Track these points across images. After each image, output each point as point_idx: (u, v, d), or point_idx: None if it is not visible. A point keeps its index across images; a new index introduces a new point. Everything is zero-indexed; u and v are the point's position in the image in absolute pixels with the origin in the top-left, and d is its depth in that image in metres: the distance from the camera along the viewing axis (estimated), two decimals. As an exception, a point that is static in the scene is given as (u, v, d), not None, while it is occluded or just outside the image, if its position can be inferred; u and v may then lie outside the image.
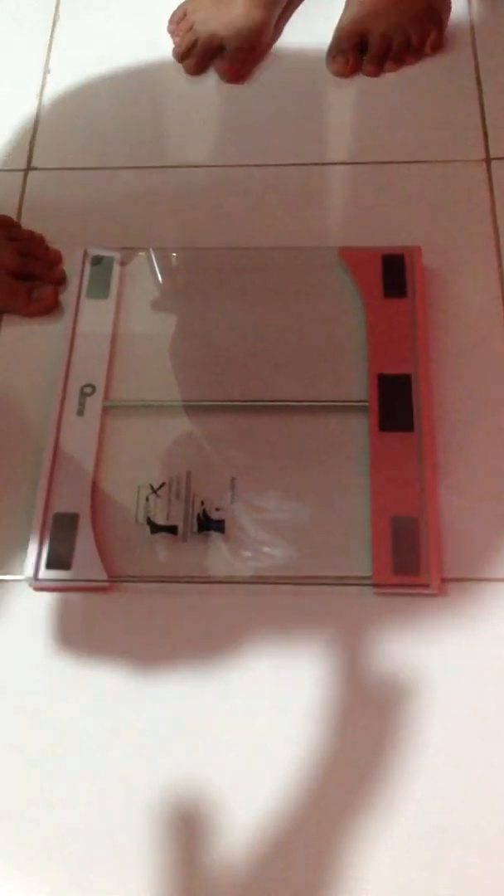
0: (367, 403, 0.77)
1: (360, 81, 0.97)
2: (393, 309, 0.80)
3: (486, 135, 0.92)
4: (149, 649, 0.68)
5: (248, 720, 0.66)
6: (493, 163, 0.90)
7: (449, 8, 0.99)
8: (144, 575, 0.70)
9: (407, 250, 0.83)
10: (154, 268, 0.85)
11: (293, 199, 0.90)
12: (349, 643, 0.68)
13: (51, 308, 0.83)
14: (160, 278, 0.85)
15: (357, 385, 0.78)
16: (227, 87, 0.97)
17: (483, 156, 0.91)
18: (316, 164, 0.92)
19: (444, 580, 0.69)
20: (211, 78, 0.98)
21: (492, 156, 0.91)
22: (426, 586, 0.69)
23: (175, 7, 1.01)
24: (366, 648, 0.67)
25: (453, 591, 0.69)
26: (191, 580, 0.69)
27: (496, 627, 0.68)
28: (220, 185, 0.91)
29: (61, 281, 0.85)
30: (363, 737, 0.65)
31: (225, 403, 0.78)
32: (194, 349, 0.81)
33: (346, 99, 0.97)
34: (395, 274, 0.82)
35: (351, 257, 0.83)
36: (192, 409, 0.78)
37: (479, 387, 0.79)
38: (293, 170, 0.92)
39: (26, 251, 0.85)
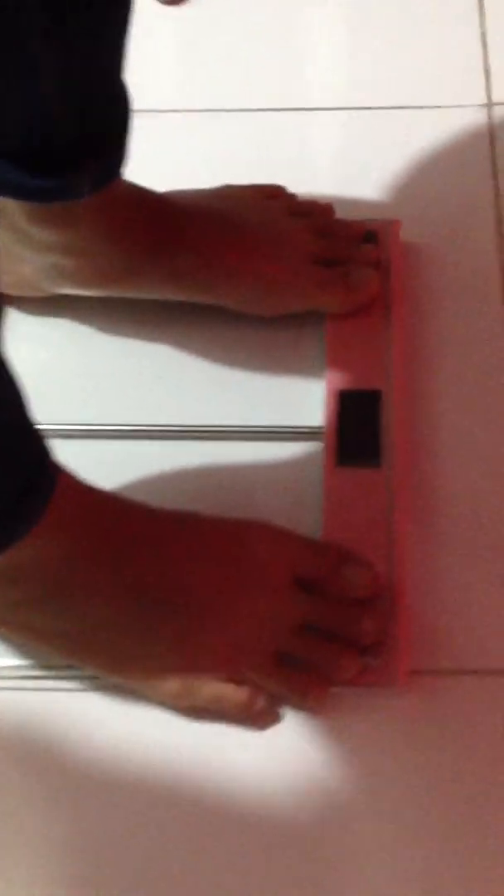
0: (321, 430, 0.60)
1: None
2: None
3: (487, 75, 0.78)
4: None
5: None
6: (495, 108, 0.76)
7: None
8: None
9: (382, 225, 0.68)
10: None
11: (242, 153, 0.75)
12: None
13: (373, 296, 0.65)
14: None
15: (312, 406, 0.62)
16: (166, 11, 0.82)
17: (484, 101, 0.77)
18: (273, 109, 0.78)
19: (412, 673, 0.53)
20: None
21: (494, 100, 0.77)
22: (391, 685, 0.52)
23: None
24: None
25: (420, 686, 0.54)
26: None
27: (459, 729, 0.53)
28: (163, 133, 0.77)
29: (376, 261, 0.66)
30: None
31: (142, 429, 0.63)
32: (110, 363, 0.66)
33: (316, 28, 0.82)
34: (365, 256, 0.67)
35: (310, 234, 0.69)
36: (106, 435, 0.63)
37: (474, 405, 0.63)
38: (242, 117, 0.77)
39: (320, 229, 0.66)
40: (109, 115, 0.56)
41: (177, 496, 0.60)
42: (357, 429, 0.60)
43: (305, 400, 0.63)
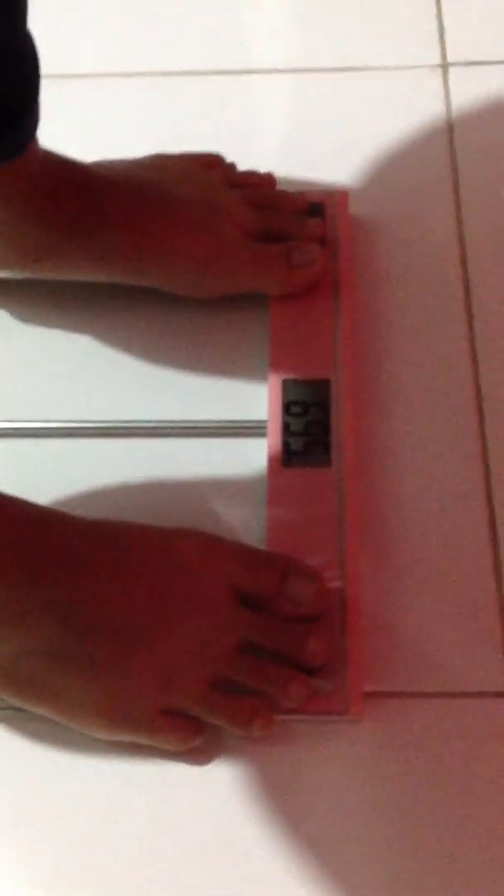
0: (264, 425, 0.55)
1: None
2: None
3: (441, 33, 0.73)
4: None
5: None
6: (451, 69, 0.71)
7: None
8: None
9: (328, 196, 0.63)
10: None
11: (176, 120, 0.70)
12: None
13: (319, 275, 0.59)
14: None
15: (256, 398, 0.57)
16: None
17: (438, 61, 0.72)
18: (210, 72, 0.72)
19: (367, 695, 0.48)
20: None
21: (449, 61, 0.71)
22: (344, 712, 0.47)
23: None
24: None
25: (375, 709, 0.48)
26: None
27: (417, 756, 0.48)
28: (90, 99, 0.71)
29: (322, 236, 0.61)
30: None
31: (67, 427, 0.57)
32: (29, 355, 0.60)
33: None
34: (311, 231, 0.62)
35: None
36: (27, 433, 0.57)
37: (432, 395, 0.58)
38: (176, 81, 0.72)
39: (260, 201, 0.61)
40: (12, 71, 0.50)
41: (107, 500, 0.55)
42: (304, 423, 0.54)
43: (248, 392, 0.58)
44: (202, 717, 0.47)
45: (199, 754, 0.47)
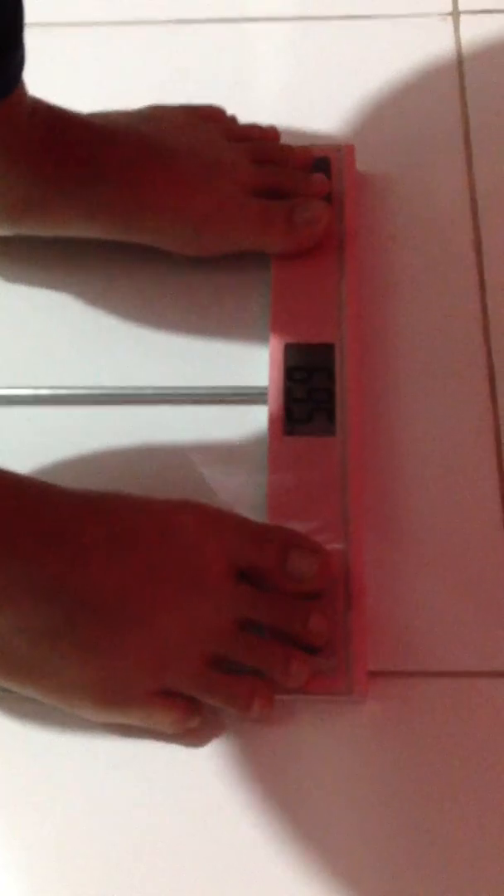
0: (265, 391, 0.53)
1: None
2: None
3: None
4: None
5: None
6: (463, 17, 0.68)
7: None
8: None
9: (334, 151, 0.60)
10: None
11: (174, 70, 0.67)
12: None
13: (322, 234, 0.57)
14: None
15: (257, 363, 0.54)
16: None
17: (449, 9, 0.69)
18: (209, 20, 0.69)
19: (371, 675, 0.46)
20: None
21: (461, 8, 0.69)
22: (347, 692, 0.45)
23: None
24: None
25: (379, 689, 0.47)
26: None
27: (423, 736, 0.46)
28: (86, 48, 0.68)
29: (327, 193, 0.58)
30: None
31: (59, 394, 0.55)
32: (17, 317, 0.58)
33: None
34: (315, 187, 0.59)
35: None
36: (17, 401, 0.55)
37: (440, 361, 0.55)
38: (174, 29, 0.69)
39: (262, 156, 0.58)
40: None
41: (100, 471, 0.53)
42: (307, 390, 0.52)
43: (249, 356, 0.55)
44: (199, 697, 0.45)
45: (194, 736, 0.46)
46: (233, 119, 0.61)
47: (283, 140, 0.61)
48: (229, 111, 0.61)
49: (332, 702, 0.47)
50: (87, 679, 0.44)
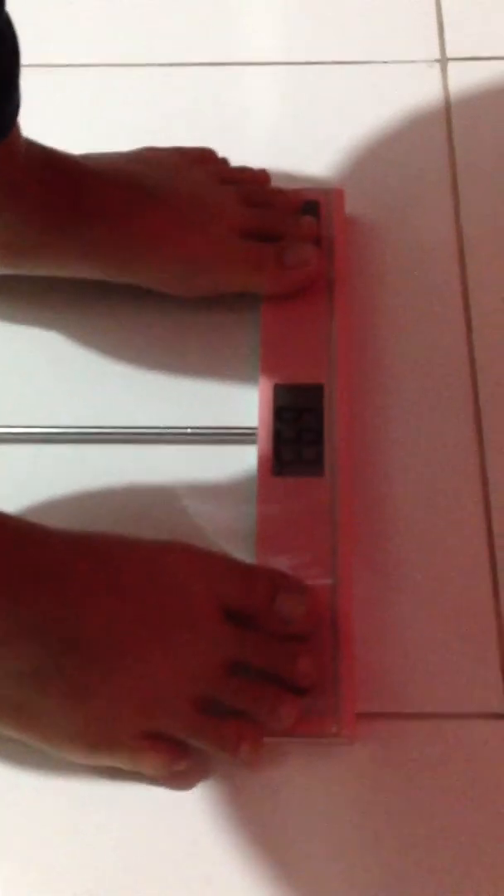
0: (255, 431, 0.53)
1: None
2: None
3: (441, 27, 0.71)
4: None
5: None
6: (451, 64, 0.68)
7: None
8: None
9: (323, 194, 0.61)
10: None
11: (166, 112, 0.67)
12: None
13: (312, 276, 0.57)
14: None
15: (246, 404, 0.55)
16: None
17: (437, 55, 0.69)
18: (202, 63, 0.70)
19: (360, 716, 0.46)
20: None
21: (448, 55, 0.69)
22: (336, 734, 0.45)
23: None
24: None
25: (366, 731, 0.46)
26: None
27: (410, 779, 0.46)
28: (80, 90, 0.69)
29: (316, 236, 0.58)
30: None
31: (49, 433, 0.55)
32: (7, 355, 0.58)
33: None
34: (305, 230, 0.60)
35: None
36: (5, 439, 0.55)
37: (429, 402, 0.55)
38: (167, 72, 0.69)
39: (253, 199, 0.59)
40: None
41: (89, 511, 0.53)
42: (296, 430, 0.52)
43: (239, 397, 0.55)
44: (186, 740, 0.45)
45: (181, 779, 0.45)
46: (224, 161, 0.61)
47: (274, 183, 0.61)
48: (222, 153, 0.62)
49: (321, 744, 0.46)
50: (73, 721, 0.44)
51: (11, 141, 0.51)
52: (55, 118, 0.65)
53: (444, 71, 0.68)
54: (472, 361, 0.57)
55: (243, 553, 0.50)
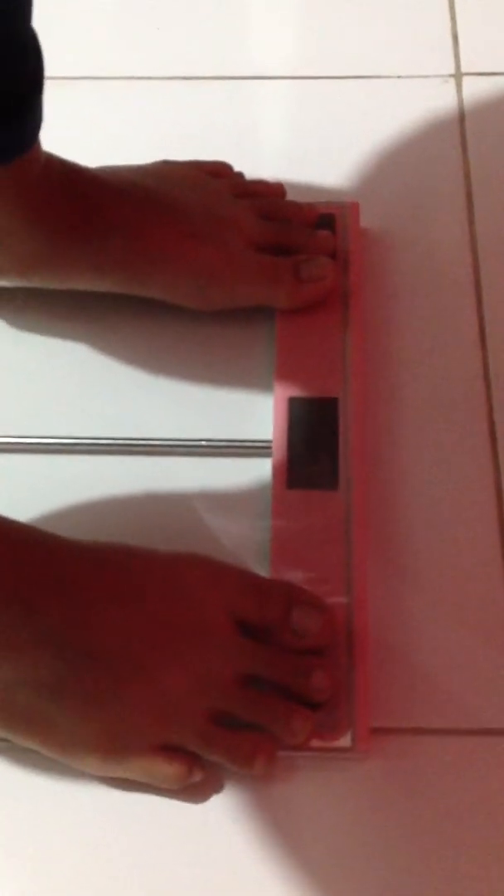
0: (269, 444, 0.53)
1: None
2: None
3: (455, 41, 0.71)
4: None
5: None
6: (465, 79, 0.68)
7: None
8: None
9: (339, 208, 0.60)
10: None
11: (182, 126, 0.67)
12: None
13: (328, 290, 0.57)
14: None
15: (261, 416, 0.54)
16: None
17: (452, 70, 0.70)
18: (217, 77, 0.70)
19: (374, 731, 0.46)
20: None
21: (463, 70, 0.69)
22: (350, 749, 0.45)
23: None
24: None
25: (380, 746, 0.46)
26: None
27: (423, 796, 0.46)
28: (96, 103, 0.69)
29: (332, 250, 0.58)
30: None
31: (63, 443, 0.55)
32: (23, 366, 0.58)
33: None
34: (320, 244, 0.60)
35: (258, 219, 0.60)
36: (20, 449, 0.55)
37: (445, 415, 0.55)
38: (183, 86, 0.69)
39: (268, 212, 0.59)
40: (15, 69, 0.48)
41: (104, 522, 0.52)
42: (311, 444, 0.52)
43: (253, 409, 0.55)
44: (200, 752, 0.44)
45: (194, 791, 0.45)
46: (240, 175, 0.61)
47: (290, 196, 0.61)
48: (237, 167, 0.62)
49: (334, 758, 0.46)
50: (88, 732, 0.44)
51: (33, 155, 0.51)
52: (69, 131, 0.65)
53: (458, 86, 0.68)
54: (487, 375, 0.57)
55: (257, 566, 0.50)
